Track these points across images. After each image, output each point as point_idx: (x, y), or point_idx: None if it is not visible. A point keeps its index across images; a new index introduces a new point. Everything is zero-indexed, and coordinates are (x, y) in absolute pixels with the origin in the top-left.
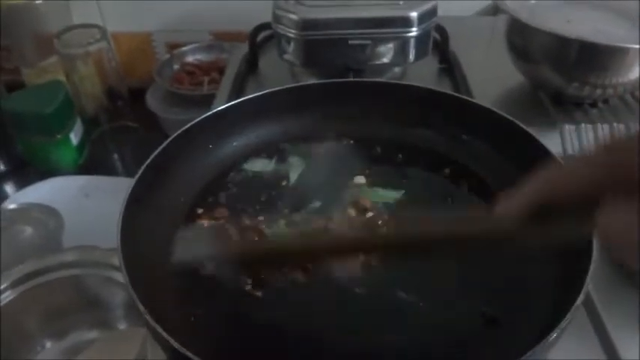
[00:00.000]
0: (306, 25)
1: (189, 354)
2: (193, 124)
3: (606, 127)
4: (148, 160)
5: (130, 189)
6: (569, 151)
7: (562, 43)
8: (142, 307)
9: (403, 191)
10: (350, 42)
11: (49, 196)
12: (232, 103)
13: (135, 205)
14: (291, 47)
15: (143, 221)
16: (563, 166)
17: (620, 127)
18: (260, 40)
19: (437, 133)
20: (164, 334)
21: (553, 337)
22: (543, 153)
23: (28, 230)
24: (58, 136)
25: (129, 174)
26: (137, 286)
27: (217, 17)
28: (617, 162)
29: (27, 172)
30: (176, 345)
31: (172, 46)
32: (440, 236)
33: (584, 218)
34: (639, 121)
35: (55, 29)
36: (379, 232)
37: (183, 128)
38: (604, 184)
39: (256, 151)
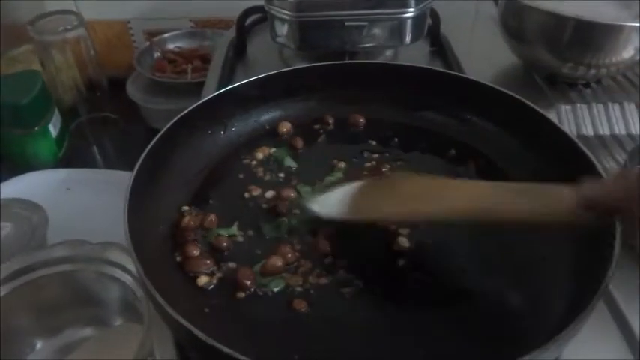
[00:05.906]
0: (301, 6)
1: (218, 345)
2: (191, 110)
3: (601, 107)
4: (148, 147)
5: (133, 177)
6: (567, 130)
7: (558, 21)
8: (160, 299)
9: None
10: (346, 23)
11: (29, 191)
12: (232, 86)
13: (137, 194)
14: (284, 29)
15: (146, 209)
16: None
17: (614, 107)
18: (247, 25)
19: (441, 115)
20: (190, 326)
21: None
22: (552, 129)
23: (10, 227)
24: (36, 129)
25: (110, 166)
26: (150, 275)
27: (197, 4)
28: None
29: (3, 167)
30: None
31: (151, 34)
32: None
33: None
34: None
35: (26, 17)
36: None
37: (180, 115)
38: None
39: (257, 136)
